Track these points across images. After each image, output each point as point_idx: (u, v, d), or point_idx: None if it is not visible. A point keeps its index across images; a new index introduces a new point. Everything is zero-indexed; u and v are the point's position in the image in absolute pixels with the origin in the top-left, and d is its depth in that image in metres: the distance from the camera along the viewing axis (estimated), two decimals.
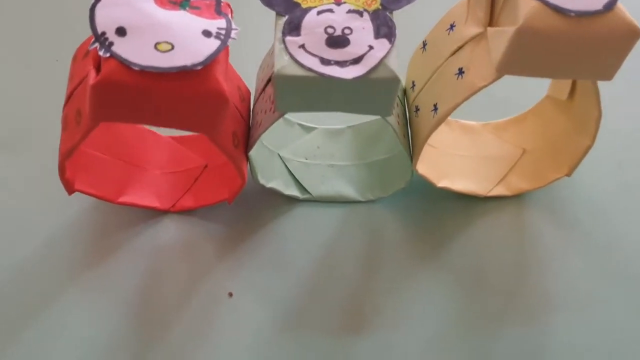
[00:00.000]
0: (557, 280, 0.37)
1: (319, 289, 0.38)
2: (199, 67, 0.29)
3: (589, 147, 0.36)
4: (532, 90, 0.42)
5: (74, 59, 0.35)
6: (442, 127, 0.40)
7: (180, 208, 0.40)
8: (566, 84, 0.37)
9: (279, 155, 0.42)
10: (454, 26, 0.34)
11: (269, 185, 0.40)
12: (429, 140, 0.39)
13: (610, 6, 0.29)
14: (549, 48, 0.29)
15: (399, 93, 0.38)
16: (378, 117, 0.42)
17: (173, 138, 0.43)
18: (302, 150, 0.43)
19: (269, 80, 0.35)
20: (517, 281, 0.37)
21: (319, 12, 0.32)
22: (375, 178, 0.42)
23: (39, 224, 0.40)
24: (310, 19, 0.32)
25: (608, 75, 0.31)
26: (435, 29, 0.36)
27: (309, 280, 0.38)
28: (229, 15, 0.32)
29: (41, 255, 0.39)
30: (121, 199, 0.39)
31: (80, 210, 0.41)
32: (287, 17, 0.32)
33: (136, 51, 0.29)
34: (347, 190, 0.41)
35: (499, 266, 0.38)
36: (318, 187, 0.41)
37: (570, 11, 0.28)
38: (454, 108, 0.32)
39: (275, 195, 0.41)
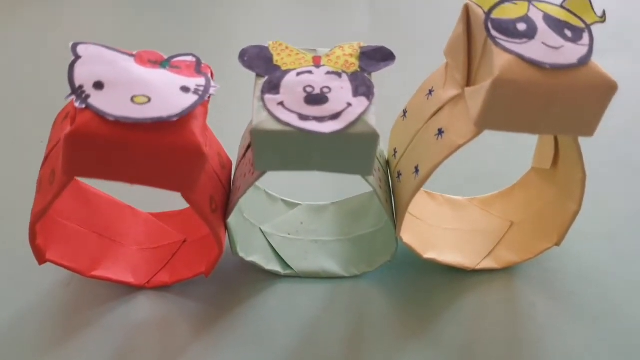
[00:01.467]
0: (553, 355, 0.35)
1: None
2: (175, 119, 0.28)
3: (576, 213, 0.35)
4: (518, 164, 0.42)
5: (54, 123, 0.34)
6: (428, 201, 0.40)
7: (156, 284, 0.39)
8: (549, 152, 0.37)
9: (260, 229, 0.41)
10: (433, 91, 0.34)
11: (249, 259, 0.38)
12: (415, 212, 0.39)
13: (584, 61, 0.29)
14: (526, 100, 0.29)
15: (382, 161, 0.38)
16: (362, 193, 0.42)
17: (152, 215, 0.42)
18: (285, 226, 0.42)
19: (249, 146, 0.35)
20: (509, 356, 0.35)
21: (298, 74, 0.32)
22: (360, 253, 0.40)
23: (7, 299, 0.38)
24: (289, 79, 0.32)
25: (589, 131, 0.30)
26: (415, 96, 0.36)
27: (290, 359, 0.36)
28: (209, 75, 0.32)
29: (6, 331, 0.36)
30: (94, 273, 0.37)
31: (52, 285, 0.39)
32: (266, 77, 0.32)
33: (112, 103, 0.28)
34: (331, 265, 0.40)
35: (491, 341, 0.36)
36: (301, 262, 0.40)
37: (545, 64, 0.29)
38: (435, 167, 0.32)
39: (255, 271, 0.39)
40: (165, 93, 0.29)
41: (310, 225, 0.42)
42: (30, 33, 0.60)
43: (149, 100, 0.29)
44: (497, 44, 0.29)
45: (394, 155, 0.37)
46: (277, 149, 0.31)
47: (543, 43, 0.29)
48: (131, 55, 0.31)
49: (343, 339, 0.37)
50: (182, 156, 0.29)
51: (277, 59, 0.33)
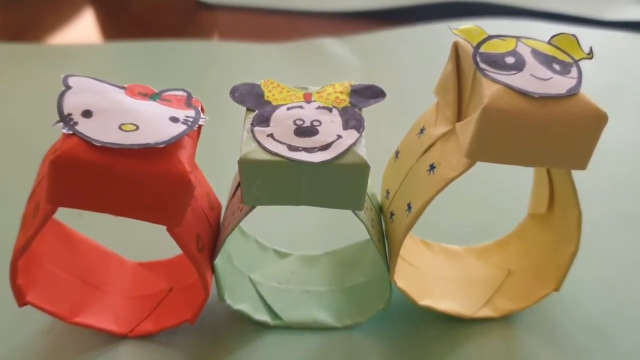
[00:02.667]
0: None
1: None
2: (162, 145, 0.28)
3: (574, 254, 0.34)
4: (514, 214, 0.41)
5: (43, 159, 0.34)
6: (423, 249, 0.39)
7: (139, 333, 0.37)
8: (544, 194, 0.36)
9: (249, 277, 0.39)
10: (424, 129, 0.34)
11: (237, 307, 0.37)
12: (410, 260, 0.38)
13: (573, 91, 0.29)
14: (516, 129, 0.29)
15: (374, 203, 0.37)
16: (355, 242, 0.41)
17: (138, 264, 0.41)
18: (276, 275, 0.40)
19: (238, 185, 0.34)
20: None
21: (288, 108, 0.32)
22: (353, 303, 0.39)
23: None
24: (280, 113, 0.32)
25: (581, 164, 0.30)
26: (406, 136, 0.36)
27: None
28: (199, 108, 0.32)
29: None
30: (76, 319, 0.36)
31: (32, 334, 0.37)
32: (257, 111, 0.32)
33: (99, 130, 0.28)
34: (323, 316, 0.38)
35: None
36: (291, 312, 0.38)
37: (534, 93, 0.29)
38: (428, 202, 0.31)
39: (242, 321, 0.38)
40: (153, 122, 0.29)
41: (301, 275, 0.41)
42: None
43: (137, 127, 0.29)
44: (486, 76, 0.29)
45: (387, 196, 0.36)
46: (265, 180, 0.30)
47: (532, 75, 0.30)
48: (122, 87, 0.31)
49: None
50: (168, 184, 0.29)
51: (268, 95, 0.33)
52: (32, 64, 0.66)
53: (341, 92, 0.33)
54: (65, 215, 0.38)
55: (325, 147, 0.30)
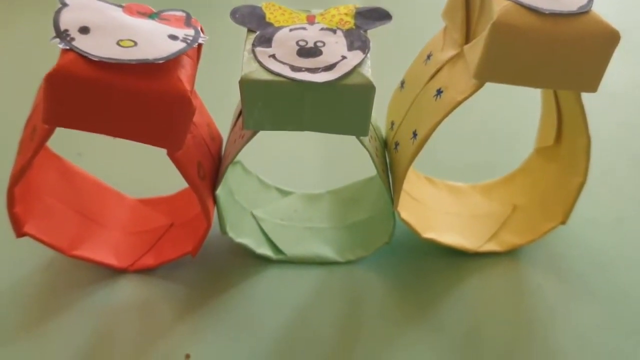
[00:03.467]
0: (561, 338, 0.32)
1: (290, 355, 0.33)
2: (161, 61, 0.27)
3: (581, 185, 0.34)
4: (519, 152, 0.40)
5: (40, 87, 0.33)
6: (428, 186, 0.38)
7: (140, 267, 0.37)
8: (552, 125, 0.35)
9: (252, 213, 0.39)
10: (431, 56, 0.33)
11: (239, 240, 0.36)
12: (414, 194, 0.37)
13: (584, 9, 0.28)
14: (526, 47, 0.28)
15: (378, 134, 0.36)
16: (358, 180, 0.41)
17: (139, 201, 0.40)
18: (278, 212, 0.40)
19: (240, 114, 0.34)
20: (516, 340, 0.33)
21: (291, 29, 0.31)
22: (356, 238, 0.38)
23: None
24: (282, 34, 0.31)
25: (592, 86, 0.29)
26: (412, 65, 0.35)
27: (279, 346, 0.33)
28: (199, 28, 0.31)
29: None
30: (75, 252, 0.35)
31: (33, 267, 0.37)
32: (258, 32, 0.31)
33: (97, 46, 0.27)
34: (325, 250, 0.38)
35: (497, 326, 0.33)
36: (293, 247, 0.38)
37: (543, 10, 0.28)
38: (435, 127, 0.30)
39: (244, 254, 0.37)
40: (152, 38, 0.28)
41: (304, 212, 0.40)
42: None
43: (136, 44, 0.28)
44: None
45: (392, 128, 0.35)
46: (267, 102, 0.29)
47: None
48: (119, 6, 0.30)
49: (336, 325, 0.34)
50: (167, 102, 0.28)
51: (269, 17, 0.32)
52: None
53: (345, 14, 0.32)
54: (64, 154, 0.37)
55: (329, 68, 0.29)
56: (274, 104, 0.29)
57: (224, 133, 0.37)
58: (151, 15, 0.30)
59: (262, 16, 0.32)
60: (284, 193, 0.41)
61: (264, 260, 0.37)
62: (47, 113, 0.28)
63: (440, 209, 0.38)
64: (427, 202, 0.38)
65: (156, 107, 0.28)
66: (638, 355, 0.31)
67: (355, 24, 0.32)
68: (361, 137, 0.31)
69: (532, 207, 0.37)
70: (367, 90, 0.29)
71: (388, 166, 0.36)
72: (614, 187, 0.42)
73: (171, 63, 0.28)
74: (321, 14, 0.32)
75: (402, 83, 0.35)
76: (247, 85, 0.29)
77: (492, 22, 0.27)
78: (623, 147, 0.46)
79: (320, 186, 0.42)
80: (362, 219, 0.39)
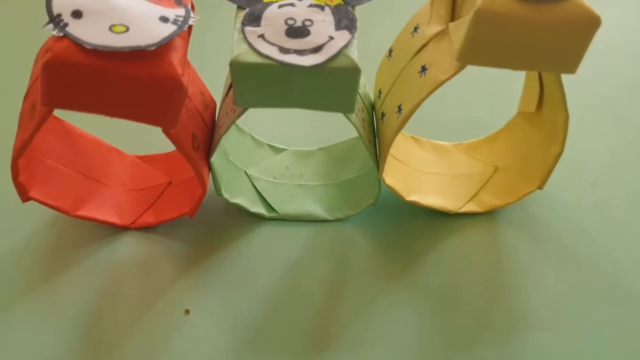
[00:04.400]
0: (534, 298, 0.35)
1: (282, 308, 0.35)
2: (152, 48, 0.28)
3: (559, 155, 0.35)
4: (504, 111, 0.41)
5: (36, 58, 0.34)
6: (414, 146, 0.40)
7: (141, 224, 0.39)
8: (534, 94, 0.37)
9: (245, 172, 0.41)
10: (418, 28, 0.34)
11: (234, 200, 0.38)
12: (399, 156, 0.38)
13: None
14: (509, 34, 0.29)
15: (367, 103, 0.37)
16: (348, 138, 0.42)
17: (138, 157, 0.42)
18: (271, 170, 0.42)
19: (231, 85, 0.35)
20: (492, 299, 0.35)
21: (280, 6, 0.32)
22: (345, 197, 0.40)
23: None
24: (271, 11, 0.32)
25: (571, 68, 0.30)
26: (400, 34, 0.36)
27: (272, 300, 0.36)
28: (189, 6, 0.31)
29: None
30: (79, 212, 0.38)
31: (36, 224, 0.39)
32: (247, 9, 0.32)
33: (90, 32, 0.28)
34: (316, 209, 0.40)
35: (472, 284, 0.36)
36: (285, 205, 0.40)
37: None
38: (418, 105, 0.32)
39: (239, 213, 0.40)
40: (143, 22, 0.29)
41: (296, 170, 0.42)
42: None
43: (127, 29, 0.29)
44: None
45: (379, 96, 0.37)
46: (257, 83, 0.30)
47: None
48: None
49: (325, 279, 0.37)
50: (160, 86, 0.29)
51: None
52: None
53: None
54: (64, 113, 0.39)
55: (316, 50, 0.30)
56: (263, 84, 0.31)
57: (217, 96, 0.38)
58: None
59: None
60: (277, 150, 0.43)
61: (258, 218, 0.40)
62: (45, 96, 0.29)
63: (425, 169, 0.40)
64: (413, 163, 0.40)
65: (150, 90, 0.29)
66: (603, 317, 0.34)
67: (343, 0, 0.32)
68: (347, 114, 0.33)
69: (512, 169, 0.39)
70: (352, 73, 0.30)
71: (375, 134, 0.37)
72: (590, 151, 0.43)
73: (163, 47, 0.29)
74: None
75: (390, 52, 0.36)
76: (237, 67, 0.30)
77: (476, 9, 0.28)
78: (603, 109, 0.47)
79: (312, 143, 0.43)
80: (351, 178, 0.41)
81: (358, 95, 0.35)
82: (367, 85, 0.39)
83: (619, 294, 0.35)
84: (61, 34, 0.28)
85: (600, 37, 0.30)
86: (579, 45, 0.29)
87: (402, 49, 0.35)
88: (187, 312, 0.35)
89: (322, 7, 0.32)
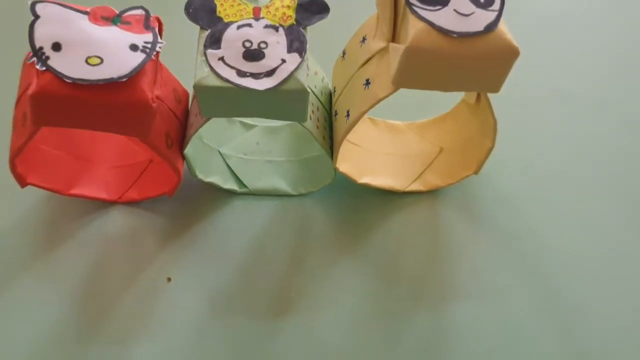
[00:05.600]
0: (463, 271, 0.41)
1: (251, 275, 0.41)
2: (124, 79, 0.32)
3: (490, 149, 0.40)
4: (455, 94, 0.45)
5: (24, 63, 0.38)
6: (370, 127, 0.44)
7: (127, 199, 0.44)
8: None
9: (219, 151, 0.45)
10: (366, 39, 0.37)
11: (208, 180, 0.44)
12: (354, 140, 0.43)
13: (490, 28, 0.32)
14: (437, 65, 0.32)
15: (324, 98, 0.42)
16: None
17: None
18: (242, 147, 0.46)
19: None
20: (428, 271, 0.41)
21: (238, 27, 0.35)
22: (307, 174, 0.45)
23: None
24: (230, 32, 0.35)
25: (495, 88, 0.34)
26: (352, 39, 0.39)
27: (242, 268, 0.42)
28: (156, 29, 0.35)
29: None
30: (72, 191, 0.43)
31: (33, 202, 0.44)
32: (209, 30, 0.35)
33: (69, 65, 0.32)
34: (281, 184, 0.45)
35: (413, 257, 0.42)
36: (255, 181, 0.45)
37: (453, 32, 0.32)
38: (361, 115, 0.36)
39: (213, 190, 0.45)
40: (115, 52, 0.33)
41: (265, 146, 0.47)
42: None
43: (102, 61, 0.33)
44: (412, 12, 0.32)
45: (334, 93, 0.41)
46: (219, 100, 0.35)
47: (455, 10, 0.32)
48: (85, 12, 0.34)
49: (287, 249, 0.43)
50: (133, 111, 0.33)
51: (220, 10, 0.36)
52: None
53: (288, 7, 0.36)
54: None
55: (270, 73, 0.34)
56: (224, 101, 0.35)
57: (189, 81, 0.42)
58: (114, 20, 0.34)
59: (213, 9, 0.36)
60: (248, 127, 0.47)
61: (230, 193, 0.45)
62: (34, 119, 0.34)
63: (378, 150, 0.45)
64: (367, 145, 0.44)
65: (124, 113, 0.34)
66: (519, 289, 0.40)
67: (295, 20, 0.36)
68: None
69: (455, 151, 0.44)
70: (301, 94, 0.34)
71: (331, 128, 0.42)
72: (528, 131, 0.48)
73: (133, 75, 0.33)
74: (266, 7, 0.36)
75: (344, 54, 0.40)
76: (200, 90, 0.34)
77: (406, 46, 0.32)
78: (541, 88, 0.51)
79: None
80: (313, 156, 0.46)
81: (314, 95, 0.39)
82: (325, 79, 0.42)
83: (537, 268, 0.41)
84: (44, 68, 0.32)
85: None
86: (501, 71, 0.33)
87: (352, 54, 0.39)
88: (169, 280, 0.41)
89: (276, 28, 0.35)
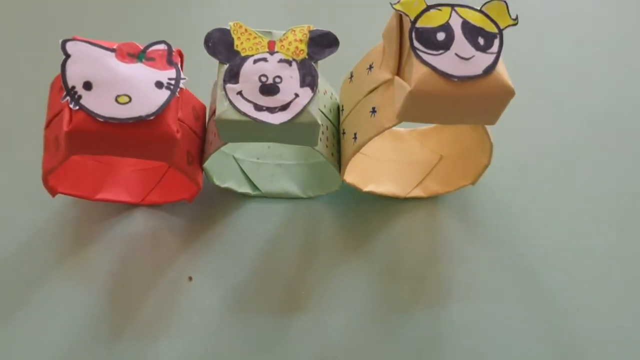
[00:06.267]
0: (458, 273, 0.45)
1: (264, 275, 0.45)
2: (152, 118, 0.35)
3: (485, 166, 0.43)
4: None
5: (52, 87, 0.40)
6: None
7: (149, 202, 0.48)
8: None
9: (233, 157, 0.49)
10: (372, 67, 0.40)
11: (224, 185, 0.47)
12: (362, 150, 0.46)
13: (489, 70, 0.35)
14: (438, 105, 0.35)
15: (333, 115, 0.44)
16: None
17: None
18: (254, 151, 0.50)
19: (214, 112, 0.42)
20: (426, 273, 0.45)
21: (255, 61, 0.38)
22: (316, 178, 0.49)
23: (24, 218, 0.47)
24: (247, 67, 0.38)
25: (491, 122, 0.37)
26: (359, 64, 0.42)
27: (256, 267, 0.46)
28: (179, 65, 0.38)
29: (27, 245, 0.46)
30: (98, 196, 0.46)
31: (62, 205, 0.48)
32: (227, 65, 0.38)
33: (100, 103, 0.35)
34: (292, 187, 0.49)
35: (412, 259, 0.46)
36: (267, 184, 0.49)
37: (454, 77, 0.35)
38: (367, 141, 0.39)
39: (230, 193, 0.48)
40: (142, 91, 0.36)
41: (276, 149, 0.50)
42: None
43: (130, 99, 0.35)
44: (417, 56, 0.35)
45: (342, 111, 0.44)
46: (237, 131, 0.38)
47: (456, 54, 0.35)
48: (112, 49, 0.37)
49: (298, 249, 0.47)
50: (159, 142, 0.37)
51: (237, 44, 0.38)
52: None
53: (300, 41, 0.39)
54: None
55: (284, 107, 0.37)
56: (242, 131, 0.38)
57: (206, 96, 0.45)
58: (139, 56, 0.37)
59: (230, 43, 0.38)
60: None
61: (245, 196, 0.49)
62: (68, 150, 0.37)
63: (381, 157, 0.48)
64: (371, 153, 0.48)
65: (151, 145, 0.37)
66: (509, 291, 0.44)
67: (308, 54, 0.38)
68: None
69: (454, 161, 0.47)
70: (313, 127, 0.37)
71: (339, 143, 0.45)
72: (525, 137, 0.51)
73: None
74: (280, 40, 0.39)
75: (352, 76, 0.43)
76: (220, 123, 0.37)
77: (410, 90, 0.35)
78: (537, 96, 0.54)
79: None
80: (321, 161, 0.49)
81: (323, 115, 0.42)
82: (333, 95, 0.45)
83: (529, 273, 0.45)
84: (77, 107, 0.35)
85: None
86: (497, 108, 0.36)
87: (359, 79, 0.41)
88: (190, 279, 0.45)
89: (289, 62, 0.38)
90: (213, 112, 0.43)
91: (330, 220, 0.48)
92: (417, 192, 0.47)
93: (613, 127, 0.54)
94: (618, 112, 0.55)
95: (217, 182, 0.46)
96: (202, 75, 0.45)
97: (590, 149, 0.52)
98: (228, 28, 0.39)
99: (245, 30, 0.39)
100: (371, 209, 0.48)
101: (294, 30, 0.39)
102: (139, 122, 0.35)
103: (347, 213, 0.48)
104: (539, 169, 0.50)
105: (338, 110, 0.46)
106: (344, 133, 0.43)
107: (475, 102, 0.35)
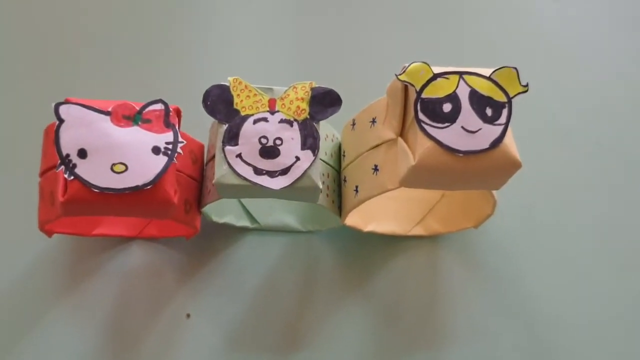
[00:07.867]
0: (457, 315, 0.45)
1: (263, 310, 0.45)
2: (149, 187, 0.34)
3: (488, 216, 0.43)
4: None
5: (46, 134, 0.39)
6: None
7: (146, 235, 0.47)
8: None
9: None
10: (375, 121, 0.39)
11: (222, 220, 0.46)
12: None
13: (495, 144, 0.34)
14: (442, 176, 0.34)
15: (333, 161, 0.43)
16: None
17: None
18: None
19: (213, 156, 0.41)
20: (425, 314, 0.45)
21: (255, 121, 0.37)
22: (315, 212, 0.48)
23: (23, 250, 0.47)
24: (247, 127, 0.37)
25: (496, 188, 0.37)
26: (362, 113, 0.40)
27: (255, 303, 0.46)
28: (176, 126, 0.36)
29: (25, 278, 0.46)
30: (95, 232, 0.46)
31: (57, 237, 0.47)
32: (227, 125, 0.37)
33: (95, 173, 0.34)
34: (291, 220, 0.48)
35: (412, 299, 0.46)
36: (266, 217, 0.48)
37: (459, 152, 0.34)
38: (369, 198, 0.39)
39: (228, 227, 0.48)
40: (139, 157, 0.35)
41: None
42: None
43: (127, 168, 0.35)
44: (421, 129, 0.34)
45: (343, 156, 0.43)
46: (237, 194, 0.37)
47: (462, 127, 0.34)
48: (107, 112, 0.35)
49: (297, 285, 0.47)
50: (156, 207, 0.36)
51: (236, 102, 0.37)
52: None
53: (302, 100, 0.37)
54: None
55: (285, 171, 0.36)
56: (242, 192, 0.37)
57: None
58: (135, 119, 0.36)
59: (230, 101, 0.37)
60: None
61: (244, 230, 0.48)
62: (64, 212, 0.36)
63: (383, 195, 0.47)
64: None
65: (149, 210, 0.36)
66: (508, 334, 0.44)
67: (309, 113, 0.37)
68: None
69: (456, 200, 0.46)
70: (314, 191, 0.37)
71: (340, 188, 0.44)
72: (530, 175, 0.50)
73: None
74: (281, 98, 0.37)
75: (354, 123, 0.41)
76: (220, 186, 0.36)
77: (414, 164, 0.34)
78: (540, 131, 0.53)
79: None
80: None
81: (324, 163, 0.41)
82: (335, 137, 0.44)
83: (525, 315, 0.45)
84: (72, 177, 0.34)
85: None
86: (503, 179, 0.35)
87: (362, 130, 0.40)
88: (187, 316, 0.46)
89: (290, 123, 0.37)
90: (212, 157, 0.42)
91: (329, 255, 0.48)
92: (418, 230, 0.47)
93: (622, 165, 0.53)
94: (629, 149, 0.54)
95: (216, 219, 0.46)
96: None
97: (596, 188, 0.51)
98: (227, 84, 0.37)
99: (245, 86, 0.37)
100: (371, 246, 0.48)
101: (296, 87, 0.38)
102: (135, 191, 0.34)
103: (346, 249, 0.48)
104: (543, 210, 0.50)
105: (339, 152, 0.45)
106: (345, 180, 0.42)
107: (480, 174, 0.35)
